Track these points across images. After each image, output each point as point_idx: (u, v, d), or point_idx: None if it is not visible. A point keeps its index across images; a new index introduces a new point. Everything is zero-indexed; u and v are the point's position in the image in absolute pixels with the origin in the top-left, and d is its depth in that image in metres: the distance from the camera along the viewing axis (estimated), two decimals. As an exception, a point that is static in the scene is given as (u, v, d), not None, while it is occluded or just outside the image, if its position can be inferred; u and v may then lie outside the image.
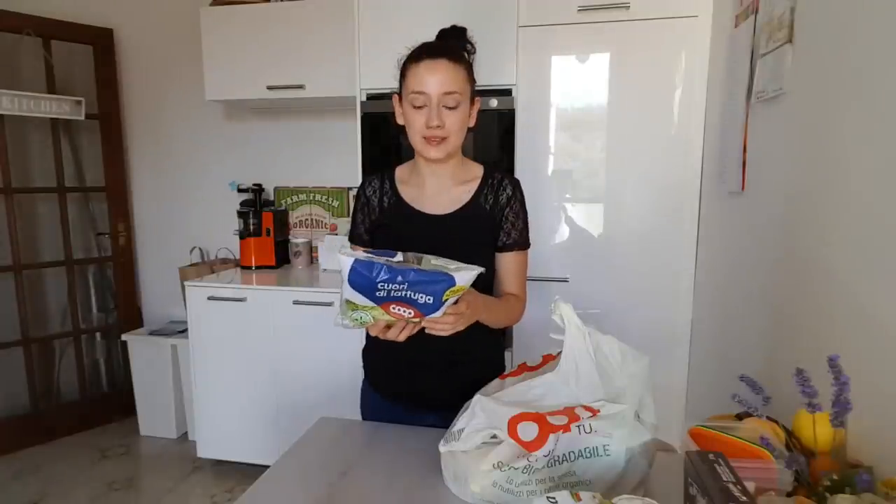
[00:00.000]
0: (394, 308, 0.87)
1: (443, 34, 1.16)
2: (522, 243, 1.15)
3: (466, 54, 1.11)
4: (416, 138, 1.06)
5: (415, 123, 1.05)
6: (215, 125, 2.87)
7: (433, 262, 0.91)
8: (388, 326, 0.93)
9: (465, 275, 0.86)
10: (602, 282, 2.00)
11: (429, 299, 0.86)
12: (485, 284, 1.13)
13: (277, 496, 0.89)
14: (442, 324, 0.90)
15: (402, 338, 0.93)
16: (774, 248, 1.28)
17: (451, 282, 0.85)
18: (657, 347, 1.96)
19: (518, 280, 1.16)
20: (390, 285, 0.84)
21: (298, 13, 2.34)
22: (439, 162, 1.09)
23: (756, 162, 1.42)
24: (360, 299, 0.86)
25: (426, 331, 0.92)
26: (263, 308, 2.27)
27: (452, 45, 1.10)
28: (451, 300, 0.88)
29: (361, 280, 0.84)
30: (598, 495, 0.64)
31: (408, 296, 0.85)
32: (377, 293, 0.85)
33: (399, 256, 0.91)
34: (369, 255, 0.88)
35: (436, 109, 1.02)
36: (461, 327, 0.93)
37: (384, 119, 2.09)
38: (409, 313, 0.88)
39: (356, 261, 0.84)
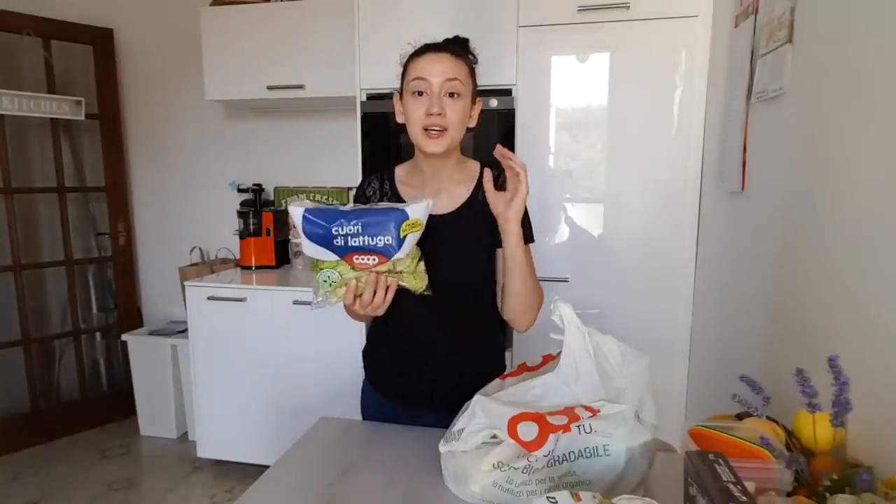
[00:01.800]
0: (357, 259, 0.87)
1: (446, 42, 1.16)
2: (528, 238, 1.14)
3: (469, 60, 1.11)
4: (415, 130, 1.04)
5: (415, 114, 1.03)
6: (215, 125, 2.87)
7: (381, 204, 0.92)
8: (360, 296, 0.92)
9: (416, 207, 0.87)
10: (602, 282, 2.00)
11: (387, 239, 0.85)
12: (485, 286, 1.13)
13: (277, 496, 0.89)
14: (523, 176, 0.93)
15: (377, 302, 0.91)
16: (774, 248, 1.28)
17: (403, 215, 0.85)
18: (657, 347, 1.96)
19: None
20: (345, 228, 0.84)
21: (298, 13, 2.34)
22: (438, 157, 1.08)
23: (756, 162, 1.42)
24: (321, 253, 0.86)
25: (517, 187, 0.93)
26: (263, 308, 2.27)
27: (455, 45, 1.10)
28: (412, 237, 0.88)
29: (316, 229, 0.84)
30: (598, 495, 0.64)
31: (365, 242, 0.85)
32: (335, 241, 0.85)
33: (348, 206, 0.91)
34: (318, 203, 0.88)
35: (437, 97, 1.01)
36: (523, 188, 0.95)
37: (384, 119, 2.09)
38: (374, 260, 0.88)
39: (307, 210, 0.83)
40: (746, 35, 1.45)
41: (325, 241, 0.85)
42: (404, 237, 0.86)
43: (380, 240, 0.85)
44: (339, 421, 1.15)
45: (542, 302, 1.11)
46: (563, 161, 2.01)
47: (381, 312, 0.96)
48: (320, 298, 0.91)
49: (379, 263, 0.88)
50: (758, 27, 1.39)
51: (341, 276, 0.89)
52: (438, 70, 1.02)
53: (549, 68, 1.97)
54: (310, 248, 0.86)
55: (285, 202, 2.76)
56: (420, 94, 1.02)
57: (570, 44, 1.94)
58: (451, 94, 1.02)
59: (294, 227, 0.86)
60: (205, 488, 2.35)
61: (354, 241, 0.85)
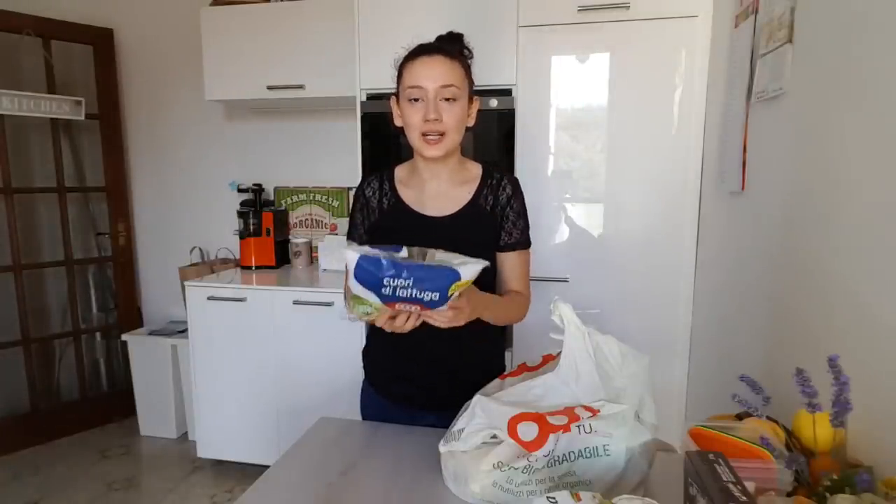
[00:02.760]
0: (399, 305, 0.87)
1: (439, 40, 1.16)
2: (524, 242, 1.15)
3: (464, 57, 1.11)
4: (414, 135, 1.06)
5: (412, 119, 1.04)
6: (215, 125, 2.87)
7: (438, 256, 0.91)
8: (393, 317, 0.92)
9: (469, 269, 0.85)
10: (602, 282, 2.00)
11: (434, 296, 0.85)
12: (486, 285, 1.13)
13: (277, 496, 0.89)
14: (441, 316, 0.89)
15: (407, 328, 0.92)
16: (774, 248, 1.28)
17: (455, 276, 0.84)
18: (657, 347, 1.96)
19: (522, 278, 1.16)
20: (395, 281, 0.83)
21: (298, 13, 2.34)
22: (438, 161, 1.08)
23: (756, 162, 1.42)
24: (366, 295, 0.86)
25: (424, 319, 0.91)
26: (263, 308, 2.27)
27: (448, 45, 1.10)
28: (457, 294, 0.87)
29: (367, 276, 0.84)
30: (598, 495, 0.64)
31: (413, 294, 0.85)
32: (383, 290, 0.84)
33: (404, 252, 0.91)
34: (375, 250, 0.87)
35: (433, 103, 1.02)
36: (459, 323, 0.92)
37: (384, 119, 2.09)
38: (416, 309, 0.88)
39: (361, 257, 0.83)
40: (746, 35, 1.45)
41: (374, 287, 0.84)
42: (450, 295, 0.86)
43: (427, 294, 0.85)
44: (339, 421, 1.15)
45: (525, 311, 1.17)
46: (563, 161, 2.01)
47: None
48: (353, 315, 0.91)
49: (419, 310, 0.89)
50: (758, 27, 1.39)
51: (381, 313, 0.90)
52: (433, 76, 1.02)
53: (549, 68, 1.97)
54: (357, 289, 0.86)
55: (285, 202, 2.80)
56: (416, 100, 1.03)
57: (570, 44, 1.94)
58: (447, 99, 1.03)
59: (347, 270, 0.86)
60: (205, 488, 2.35)
61: (402, 293, 0.85)
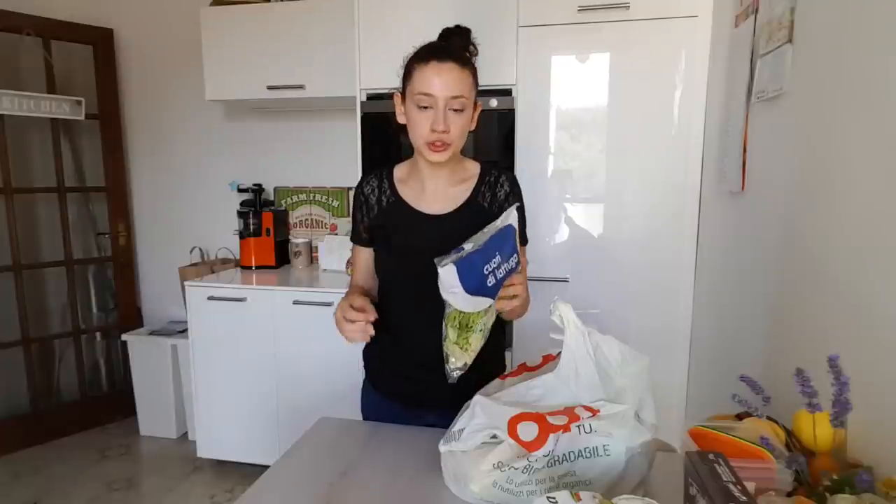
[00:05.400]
0: (501, 293, 0.87)
1: (447, 34, 1.15)
2: (522, 239, 1.15)
3: (469, 56, 1.11)
4: (419, 141, 1.05)
5: (419, 125, 1.04)
6: (215, 125, 2.87)
7: (483, 232, 0.90)
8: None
9: (511, 216, 0.89)
10: (602, 282, 2.00)
11: (514, 259, 0.86)
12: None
13: (277, 496, 0.89)
14: (520, 285, 0.91)
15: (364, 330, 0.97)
16: (774, 248, 1.28)
17: (512, 229, 0.86)
18: (657, 347, 1.96)
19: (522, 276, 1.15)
20: (492, 264, 0.82)
21: (298, 13, 2.34)
22: (440, 164, 1.09)
23: (756, 162, 1.42)
24: (475, 305, 0.82)
25: (514, 293, 0.90)
26: (263, 308, 2.27)
27: (458, 48, 1.09)
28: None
29: (471, 278, 0.80)
30: (598, 495, 0.64)
31: (505, 267, 0.84)
32: (488, 282, 0.82)
33: (468, 245, 0.88)
34: (450, 257, 0.83)
35: (442, 112, 1.01)
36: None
37: (384, 119, 2.09)
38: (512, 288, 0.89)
39: (457, 264, 0.79)
40: (746, 35, 1.45)
41: (480, 286, 0.81)
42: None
43: (511, 260, 0.84)
44: (339, 421, 1.15)
45: (528, 306, 1.14)
46: (563, 161, 2.01)
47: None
48: (461, 363, 0.87)
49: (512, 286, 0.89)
50: (758, 27, 1.39)
51: (488, 316, 0.87)
52: (444, 85, 1.01)
53: (549, 68, 1.97)
54: (466, 303, 0.81)
55: (285, 202, 2.79)
56: (425, 107, 1.02)
57: (570, 44, 1.94)
58: (456, 110, 1.02)
59: (448, 291, 0.80)
60: (205, 488, 2.35)
61: (499, 273, 0.83)
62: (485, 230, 0.90)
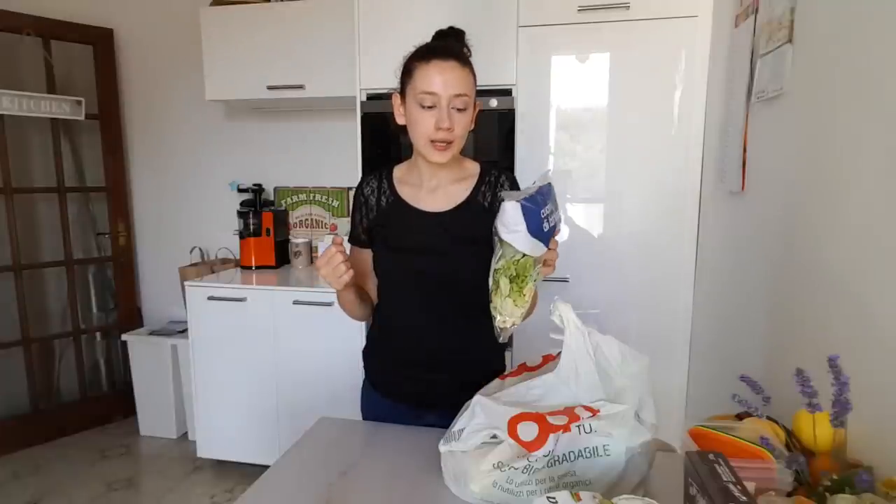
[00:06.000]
0: (551, 244, 0.85)
1: (440, 35, 1.15)
2: None
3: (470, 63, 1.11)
4: (421, 140, 1.05)
5: (421, 125, 1.03)
6: (215, 125, 2.87)
7: (524, 189, 0.88)
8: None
9: (547, 178, 0.88)
10: (602, 282, 2.00)
11: (559, 213, 0.85)
12: (483, 281, 1.13)
13: (277, 496, 0.89)
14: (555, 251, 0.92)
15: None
16: (774, 248, 1.28)
17: (552, 187, 0.85)
18: (657, 347, 1.96)
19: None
20: (546, 209, 0.80)
21: (298, 13, 2.34)
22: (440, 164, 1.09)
23: (756, 162, 1.42)
24: (532, 247, 0.79)
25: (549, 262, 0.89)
26: (263, 308, 2.27)
27: (458, 47, 1.09)
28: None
29: (533, 218, 0.78)
30: (598, 495, 0.64)
31: (556, 217, 0.83)
32: (544, 227, 0.80)
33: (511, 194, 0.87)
34: (522, 194, 0.82)
35: (446, 111, 1.01)
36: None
37: (384, 119, 2.09)
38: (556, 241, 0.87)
39: (522, 202, 0.77)
40: (746, 35, 1.45)
41: (538, 229, 0.78)
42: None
43: (558, 211, 0.83)
44: (339, 421, 1.15)
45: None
46: (563, 161, 2.01)
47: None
48: (512, 320, 0.84)
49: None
50: (758, 27, 1.39)
51: (537, 271, 0.84)
52: (448, 83, 1.00)
53: (549, 68, 1.97)
54: (528, 245, 0.78)
55: (285, 202, 2.79)
56: (428, 107, 1.02)
57: (570, 44, 1.94)
58: (459, 108, 1.02)
59: (511, 230, 0.77)
60: (205, 488, 2.35)
61: (552, 219, 0.81)
62: (525, 188, 0.88)
